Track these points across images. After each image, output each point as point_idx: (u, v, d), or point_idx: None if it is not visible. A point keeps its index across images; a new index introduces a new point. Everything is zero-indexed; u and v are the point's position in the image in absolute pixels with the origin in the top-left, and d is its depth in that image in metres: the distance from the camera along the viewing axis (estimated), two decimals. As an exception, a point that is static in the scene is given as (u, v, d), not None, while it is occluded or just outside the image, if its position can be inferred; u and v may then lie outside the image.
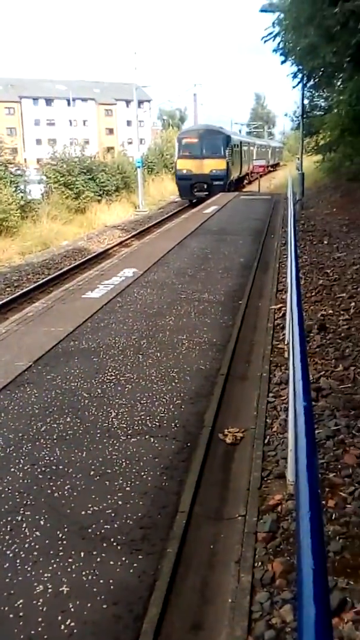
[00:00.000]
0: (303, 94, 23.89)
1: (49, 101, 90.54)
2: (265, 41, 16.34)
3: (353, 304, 8.14)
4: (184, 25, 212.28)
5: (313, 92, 26.49)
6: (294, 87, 21.92)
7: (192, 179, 32.75)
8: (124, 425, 4.79)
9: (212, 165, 32.58)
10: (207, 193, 31.60)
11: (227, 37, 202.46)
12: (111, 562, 3.19)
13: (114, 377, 5.81)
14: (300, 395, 2.31)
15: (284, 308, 7.80)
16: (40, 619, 2.82)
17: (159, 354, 6.43)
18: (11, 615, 2.84)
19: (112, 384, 5.65)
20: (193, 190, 32.93)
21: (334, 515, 3.59)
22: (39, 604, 2.91)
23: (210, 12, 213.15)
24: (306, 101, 25.60)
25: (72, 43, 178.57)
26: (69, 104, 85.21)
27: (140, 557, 3.25)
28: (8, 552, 3.27)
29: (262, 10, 17.63)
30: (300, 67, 18.51)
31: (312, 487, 1.69)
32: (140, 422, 4.85)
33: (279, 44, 16.74)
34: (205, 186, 32.48)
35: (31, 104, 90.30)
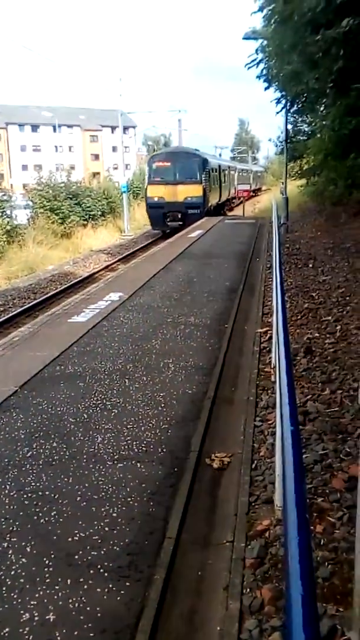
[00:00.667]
0: (287, 119, 24.23)
1: (35, 127, 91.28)
2: (249, 68, 16.64)
3: (339, 327, 8.18)
4: (168, 51, 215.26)
5: (296, 117, 26.84)
6: (277, 112, 22.30)
7: (164, 207, 29.75)
8: (111, 450, 4.76)
9: (187, 192, 29.69)
10: (181, 223, 28.62)
11: (211, 64, 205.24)
12: (98, 589, 3.15)
13: (100, 401, 5.79)
14: (287, 419, 2.31)
15: (270, 331, 7.82)
16: (26, 649, 2.77)
17: (145, 378, 6.42)
18: (-4, 646, 2.80)
19: (98, 408, 5.62)
20: (166, 219, 29.81)
21: (322, 541, 3.57)
22: (25, 632, 2.86)
23: (194, 38, 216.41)
24: (290, 126, 25.96)
25: (57, 70, 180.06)
26: (54, 130, 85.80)
27: (127, 584, 3.21)
28: (-7, 581, 3.23)
29: (245, 38, 17.98)
30: (284, 93, 18.85)
31: (300, 512, 1.69)
32: (126, 447, 4.82)
33: (262, 70, 17.06)
34: (180, 215, 29.47)
35: (17, 130, 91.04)
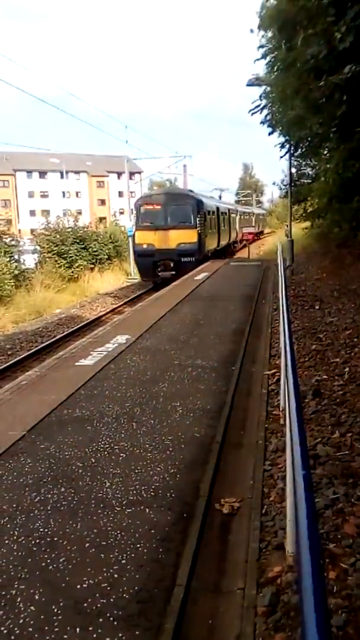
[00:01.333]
0: (290, 163, 24.62)
1: (42, 174, 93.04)
2: (252, 114, 16.99)
3: (347, 369, 8.16)
4: (173, 98, 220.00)
5: (300, 161, 27.20)
6: (281, 157, 22.57)
7: (154, 255, 26.74)
8: (119, 495, 4.72)
9: (180, 238, 26.66)
10: (173, 273, 25.65)
11: (215, 110, 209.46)
12: (107, 639, 3.10)
13: (107, 445, 5.76)
14: (298, 463, 2.31)
15: (277, 373, 7.81)
16: None
17: (153, 422, 6.40)
18: None
19: (106, 452, 5.59)
20: (156, 269, 26.84)
21: (335, 588, 3.51)
22: None
23: (198, 85, 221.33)
24: (294, 170, 26.36)
25: (64, 117, 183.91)
26: (62, 176, 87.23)
27: (137, 632, 3.15)
28: (2, 628, 3.17)
29: (249, 84, 18.42)
30: (288, 137, 19.16)
31: (315, 558, 1.68)
32: (135, 492, 4.78)
33: (266, 115, 17.41)
34: (172, 264, 26.56)
35: (25, 177, 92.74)
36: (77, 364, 9.12)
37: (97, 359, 9.32)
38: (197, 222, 27.21)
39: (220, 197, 56.02)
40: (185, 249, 26.60)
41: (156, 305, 15.18)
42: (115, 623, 3.22)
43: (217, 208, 35.49)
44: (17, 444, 5.86)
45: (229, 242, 40.83)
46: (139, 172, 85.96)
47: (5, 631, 3.16)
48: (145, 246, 27.13)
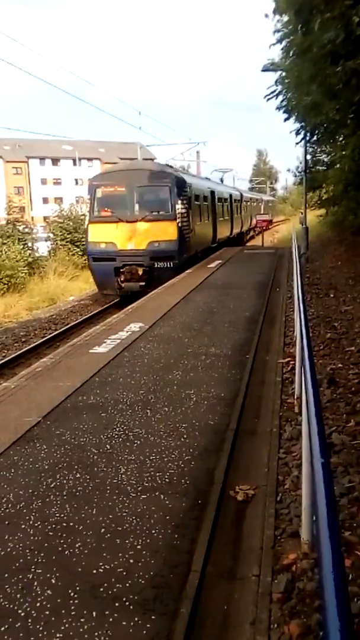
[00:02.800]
0: (306, 149, 24.43)
1: (55, 161, 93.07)
2: (268, 99, 16.87)
3: (362, 357, 8.14)
4: (187, 84, 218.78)
5: (315, 147, 27.00)
6: (297, 143, 22.43)
7: (115, 260, 19.12)
8: (134, 482, 4.74)
9: (153, 234, 19.07)
10: (143, 284, 18.72)
11: (230, 95, 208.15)
12: (124, 623, 3.12)
13: (122, 432, 5.78)
14: (317, 451, 2.30)
15: (292, 362, 7.79)
16: None
17: (167, 409, 6.41)
18: None
19: (120, 439, 5.62)
20: (119, 278, 19.22)
21: (351, 576, 3.51)
22: (51, 667, 2.84)
23: (213, 71, 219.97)
24: (309, 156, 26.17)
25: (77, 103, 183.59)
26: (74, 163, 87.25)
27: (153, 617, 3.18)
28: (20, 611, 3.21)
29: (264, 70, 18.28)
30: (303, 123, 19.03)
31: (335, 545, 1.68)
32: (149, 478, 4.80)
33: (281, 101, 17.30)
34: (142, 272, 18.96)
35: (38, 164, 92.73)
36: (91, 351, 9.15)
37: (111, 346, 9.34)
38: (178, 211, 19.39)
39: (222, 181, 44.51)
40: (160, 249, 19.00)
41: (169, 293, 15.17)
42: (131, 607, 3.24)
43: (212, 192, 27.91)
44: (33, 429, 5.90)
45: (230, 236, 32.95)
46: (152, 159, 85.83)
47: (22, 614, 3.19)
48: (103, 246, 19.48)
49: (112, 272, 19.23)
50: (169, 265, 18.99)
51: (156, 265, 19.02)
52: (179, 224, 19.38)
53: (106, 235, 19.39)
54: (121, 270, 19.17)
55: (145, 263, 19.00)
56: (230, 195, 35.10)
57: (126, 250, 19.16)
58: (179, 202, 19.59)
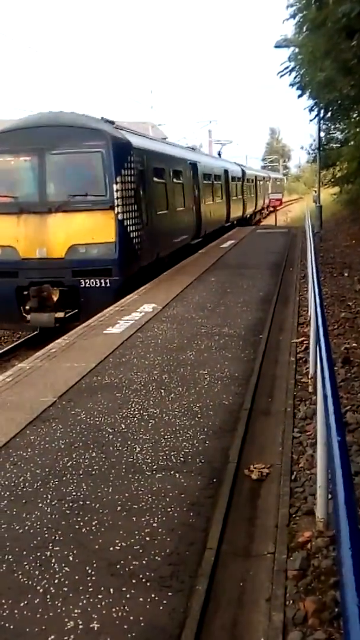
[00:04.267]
0: (320, 126, 24.16)
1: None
2: (281, 76, 16.67)
3: (376, 337, 8.11)
4: (199, 62, 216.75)
5: (329, 124, 26.70)
6: (310, 120, 22.25)
7: (16, 275, 12.14)
8: (149, 461, 4.78)
9: (77, 232, 12.03)
10: (61, 315, 11.87)
11: (242, 73, 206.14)
12: (141, 599, 3.17)
13: (137, 412, 5.82)
14: (333, 429, 2.31)
15: (306, 342, 7.78)
16: (71, 658, 2.79)
17: (181, 389, 6.44)
18: (42, 654, 2.82)
19: (135, 419, 5.65)
20: (22, 303, 12.19)
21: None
22: (71, 640, 2.89)
23: (225, 48, 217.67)
24: (322, 134, 25.89)
25: (88, 82, 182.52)
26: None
27: (169, 594, 3.22)
28: (38, 588, 3.26)
29: (277, 46, 18.04)
30: (317, 100, 18.83)
31: (352, 523, 1.69)
32: (164, 457, 4.84)
33: (295, 78, 17.10)
34: (58, 294, 11.93)
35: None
36: (105, 332, 9.18)
37: (125, 327, 9.36)
38: (119, 194, 12.14)
39: (219, 155, 38.09)
40: (89, 258, 12.08)
41: (182, 273, 15.14)
42: (148, 584, 3.28)
43: (194, 165, 21.04)
44: (49, 409, 5.95)
45: (224, 225, 27.42)
46: (164, 138, 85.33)
47: (41, 590, 3.24)
48: None
49: (11, 294, 12.20)
50: (104, 284, 12.04)
51: (83, 285, 12.06)
52: (120, 216, 12.18)
53: (1, 236, 12.32)
54: (25, 292, 12.11)
55: (65, 280, 12.07)
56: (225, 171, 28.85)
57: (34, 260, 12.06)
58: (124, 178, 12.45)
